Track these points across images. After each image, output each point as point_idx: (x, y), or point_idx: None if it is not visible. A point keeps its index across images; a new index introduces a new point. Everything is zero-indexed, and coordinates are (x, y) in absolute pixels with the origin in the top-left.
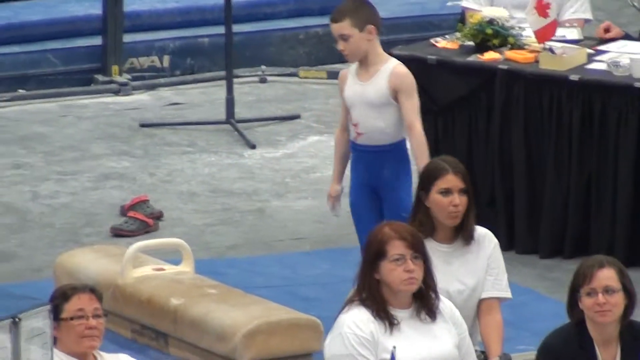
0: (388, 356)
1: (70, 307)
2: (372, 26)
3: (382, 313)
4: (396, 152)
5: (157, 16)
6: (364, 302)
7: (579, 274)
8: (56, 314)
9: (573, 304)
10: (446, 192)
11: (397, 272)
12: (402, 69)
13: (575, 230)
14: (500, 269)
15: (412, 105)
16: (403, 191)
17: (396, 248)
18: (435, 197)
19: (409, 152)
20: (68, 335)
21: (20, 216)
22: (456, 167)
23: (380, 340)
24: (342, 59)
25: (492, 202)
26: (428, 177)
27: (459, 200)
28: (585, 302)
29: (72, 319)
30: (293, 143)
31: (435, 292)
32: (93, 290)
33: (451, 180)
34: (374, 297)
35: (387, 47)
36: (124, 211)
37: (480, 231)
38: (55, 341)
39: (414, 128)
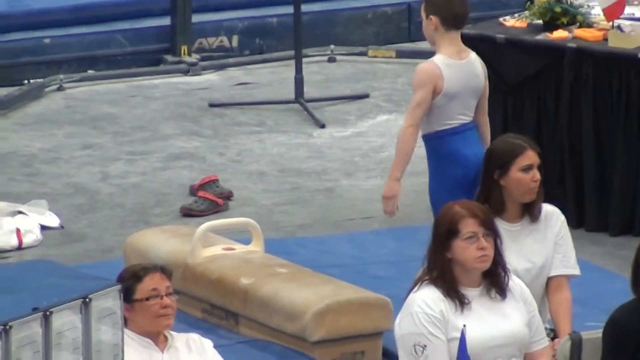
0: (458, 334)
1: (143, 288)
2: (435, 17)
3: (453, 292)
4: (428, 144)
5: None
6: (435, 282)
7: None
8: (129, 295)
9: (638, 280)
10: (528, 168)
11: (470, 250)
12: (420, 65)
13: None
14: (568, 246)
15: (412, 101)
16: (430, 180)
17: (469, 226)
18: (516, 175)
19: (451, 145)
20: (143, 315)
21: (91, 197)
22: (532, 144)
23: (450, 319)
24: (410, 38)
25: (561, 180)
26: (506, 155)
27: (539, 176)
28: None
29: (147, 299)
30: (362, 122)
31: (505, 269)
32: (163, 270)
33: (531, 156)
34: (445, 276)
35: None
36: (193, 191)
37: (548, 208)
38: (125, 322)
39: (404, 123)
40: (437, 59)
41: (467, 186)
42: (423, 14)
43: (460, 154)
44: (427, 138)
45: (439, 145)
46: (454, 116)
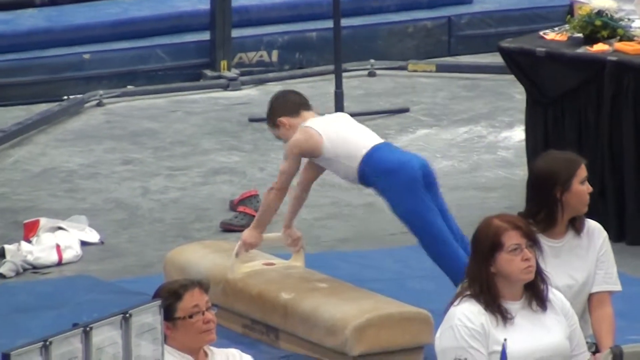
0: (499, 348)
1: (185, 306)
2: (279, 118)
3: (496, 307)
4: (364, 176)
5: (265, 10)
6: (476, 296)
7: None
8: (169, 314)
9: None
10: (585, 180)
11: (516, 262)
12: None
13: None
14: (610, 262)
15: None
16: (389, 203)
17: (512, 238)
18: (578, 188)
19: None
20: (186, 332)
21: (131, 212)
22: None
23: (491, 332)
24: (451, 52)
25: (602, 194)
26: (567, 170)
27: (591, 187)
28: None
29: (190, 316)
30: (402, 136)
31: (544, 280)
32: (201, 284)
33: (584, 168)
34: (488, 290)
35: (496, 39)
36: (233, 206)
37: (590, 224)
38: (165, 338)
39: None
40: (306, 123)
41: (419, 186)
42: (274, 129)
43: (394, 162)
44: (360, 172)
45: (372, 168)
46: (364, 142)
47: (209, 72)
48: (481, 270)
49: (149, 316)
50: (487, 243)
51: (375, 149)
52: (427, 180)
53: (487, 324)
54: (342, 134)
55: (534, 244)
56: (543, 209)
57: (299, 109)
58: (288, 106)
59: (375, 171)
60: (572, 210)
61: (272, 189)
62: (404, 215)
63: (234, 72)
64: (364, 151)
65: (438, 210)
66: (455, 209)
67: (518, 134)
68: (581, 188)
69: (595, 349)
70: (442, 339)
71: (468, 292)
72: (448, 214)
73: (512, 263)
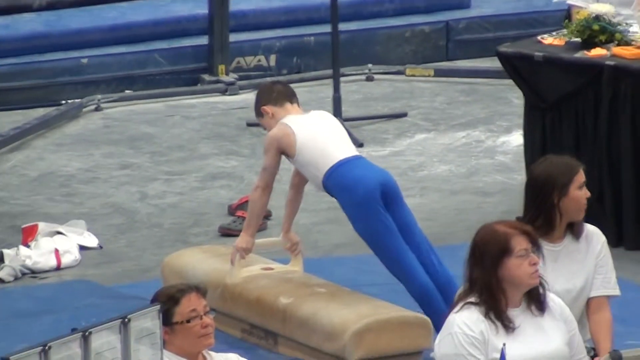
0: (498, 355)
1: (182, 310)
2: (263, 106)
3: (498, 314)
4: (329, 188)
5: (263, 15)
6: (479, 304)
7: None
8: (167, 319)
9: None
10: (582, 185)
11: (524, 267)
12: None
13: None
14: (609, 266)
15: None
16: (351, 221)
17: (521, 243)
18: (575, 194)
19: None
20: (184, 337)
21: (129, 217)
22: (580, 162)
23: (490, 340)
24: (448, 56)
25: (600, 198)
26: (564, 176)
27: (589, 192)
28: None
29: (188, 321)
30: (400, 141)
31: (542, 284)
32: (198, 289)
33: (582, 173)
34: (493, 296)
35: (494, 44)
36: (231, 210)
37: (589, 228)
38: (163, 344)
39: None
40: (285, 119)
41: (374, 203)
42: (260, 119)
43: (351, 178)
44: (323, 184)
45: (333, 182)
46: (332, 155)
47: (206, 77)
48: (487, 276)
49: (148, 321)
50: (495, 249)
51: (340, 164)
52: (388, 196)
53: (487, 331)
54: (315, 142)
55: (537, 249)
56: (541, 214)
57: (284, 100)
58: (273, 95)
59: (335, 186)
60: (569, 215)
61: (257, 187)
62: (360, 232)
63: (231, 77)
64: (330, 164)
65: (400, 225)
66: (453, 213)
67: (516, 139)
68: (579, 193)
69: (593, 353)
70: (441, 346)
71: (469, 300)
72: (414, 227)
73: (521, 268)
